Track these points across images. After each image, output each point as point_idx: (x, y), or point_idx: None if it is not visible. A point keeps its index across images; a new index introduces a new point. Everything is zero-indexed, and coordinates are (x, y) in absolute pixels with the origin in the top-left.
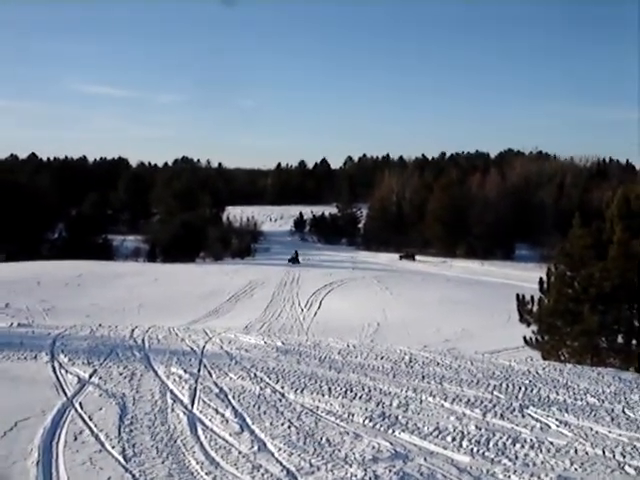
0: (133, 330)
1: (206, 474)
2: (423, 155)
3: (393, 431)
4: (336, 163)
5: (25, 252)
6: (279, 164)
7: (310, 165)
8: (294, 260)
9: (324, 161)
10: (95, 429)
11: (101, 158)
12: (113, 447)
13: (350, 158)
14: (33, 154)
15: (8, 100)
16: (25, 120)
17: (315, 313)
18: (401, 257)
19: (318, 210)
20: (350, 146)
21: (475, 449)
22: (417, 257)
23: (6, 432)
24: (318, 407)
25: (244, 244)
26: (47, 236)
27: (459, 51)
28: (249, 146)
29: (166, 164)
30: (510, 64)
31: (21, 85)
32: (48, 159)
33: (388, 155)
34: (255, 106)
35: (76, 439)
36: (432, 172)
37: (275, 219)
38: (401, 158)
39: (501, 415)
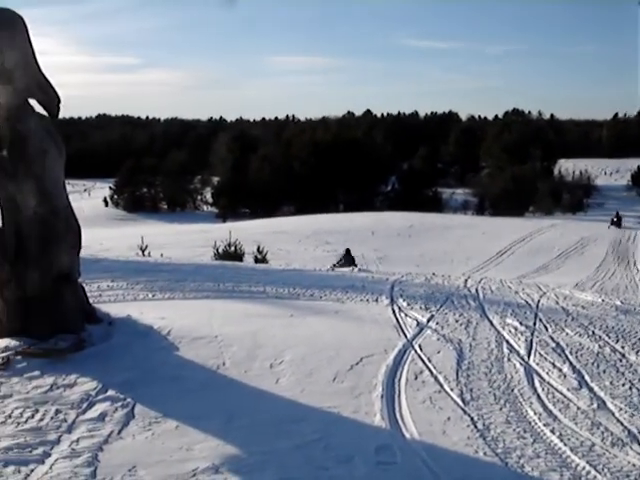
0: (466, 280)
1: (544, 425)
2: None
3: None
4: None
5: (361, 203)
6: (615, 114)
7: None
8: (616, 223)
9: None
10: (434, 370)
11: (432, 112)
12: (452, 389)
13: None
14: (368, 110)
15: (343, 58)
16: (358, 77)
17: None
18: None
19: None
20: None
21: None
22: None
23: (353, 366)
24: None
25: (576, 199)
26: (381, 189)
27: None
28: (580, 96)
29: (496, 117)
30: None
31: (353, 43)
32: (382, 115)
33: None
34: (593, 51)
35: (416, 378)
36: None
37: (610, 173)
38: None
39: None
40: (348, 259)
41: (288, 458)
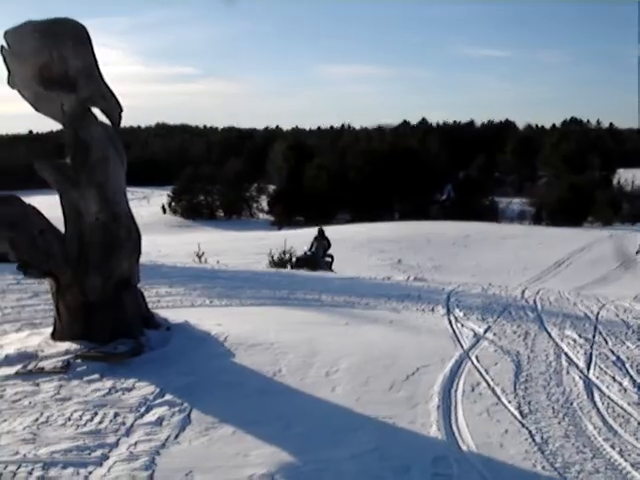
0: (524, 291)
1: (603, 440)
2: None
3: None
4: None
5: (416, 212)
6: None
7: None
8: None
9: None
10: (491, 382)
11: (488, 121)
12: (509, 402)
13: None
14: (423, 119)
15: (397, 67)
16: (414, 86)
17: None
18: None
19: None
20: None
21: None
22: None
23: (409, 376)
24: None
25: (635, 209)
26: (436, 197)
27: None
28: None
29: (554, 126)
30: None
31: (408, 52)
32: (437, 124)
33: None
34: None
35: (473, 390)
36: None
37: None
38: None
39: None
40: (321, 243)
41: (344, 467)
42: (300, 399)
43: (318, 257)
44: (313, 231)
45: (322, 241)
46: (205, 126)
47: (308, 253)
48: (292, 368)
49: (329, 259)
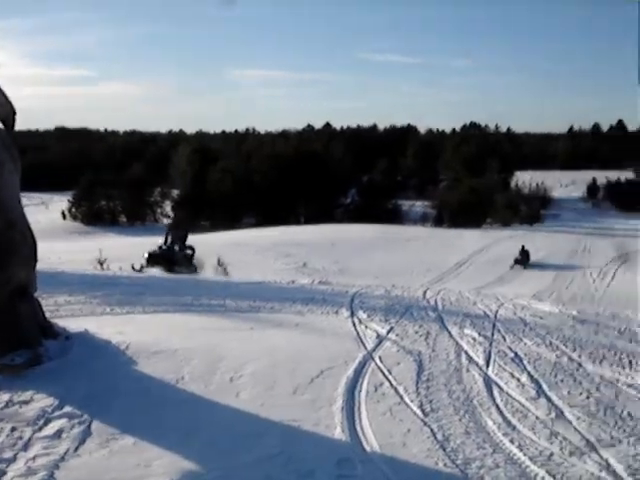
0: (425, 291)
1: (503, 435)
2: None
3: None
4: (634, 125)
5: (321, 216)
6: (571, 127)
7: (604, 128)
8: (521, 262)
9: (620, 123)
10: (394, 382)
11: (390, 126)
12: (412, 401)
13: None
14: (327, 124)
15: (304, 72)
16: (319, 91)
17: (608, 284)
18: None
19: (613, 175)
20: None
21: None
22: None
23: (313, 379)
24: (618, 379)
25: (533, 210)
26: (340, 201)
27: None
28: (539, 110)
29: (454, 130)
30: None
31: (312, 57)
32: (342, 128)
33: None
34: (546, 69)
35: (376, 390)
36: None
37: (566, 185)
38: None
39: None
40: (176, 234)
41: (248, 473)
42: (204, 406)
43: (174, 252)
44: (220, 236)
45: (177, 232)
46: (106, 129)
47: (163, 247)
48: (195, 375)
49: (189, 251)
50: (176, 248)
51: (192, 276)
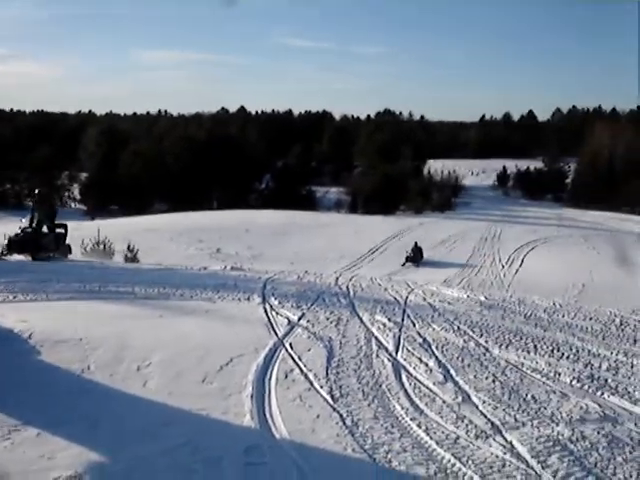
0: (337, 278)
1: (410, 420)
2: (638, 107)
3: (602, 393)
4: (543, 115)
5: (235, 201)
6: (483, 116)
7: (515, 118)
8: (412, 259)
9: (530, 113)
10: (304, 369)
11: (306, 111)
12: (321, 387)
13: (559, 110)
14: (242, 107)
15: (215, 54)
16: (232, 74)
17: (517, 270)
18: None
19: (523, 164)
20: (558, 98)
21: None
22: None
23: (222, 366)
24: (523, 364)
25: (444, 198)
26: (255, 186)
27: None
28: (453, 98)
29: (369, 117)
30: None
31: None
32: (256, 112)
33: (600, 107)
34: (459, 58)
35: (287, 377)
36: None
37: (477, 173)
38: (614, 110)
39: None
40: (42, 211)
41: (155, 463)
42: (110, 396)
43: (41, 234)
44: (131, 220)
45: (44, 209)
46: (12, 109)
47: (28, 230)
48: (101, 364)
49: (61, 230)
50: (44, 230)
51: (102, 262)
